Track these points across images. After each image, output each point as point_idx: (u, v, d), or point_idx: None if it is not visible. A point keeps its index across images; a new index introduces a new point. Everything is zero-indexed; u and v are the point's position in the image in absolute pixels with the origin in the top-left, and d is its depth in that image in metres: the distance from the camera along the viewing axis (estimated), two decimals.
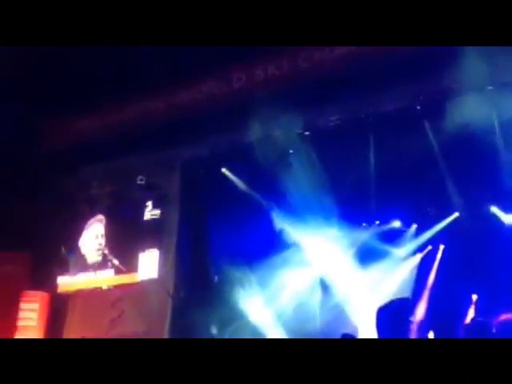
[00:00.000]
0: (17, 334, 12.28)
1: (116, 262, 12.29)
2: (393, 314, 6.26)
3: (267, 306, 11.44)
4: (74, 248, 12.86)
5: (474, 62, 7.24)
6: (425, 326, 10.85)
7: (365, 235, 11.94)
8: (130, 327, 11.38)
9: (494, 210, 11.16)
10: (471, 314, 10.53)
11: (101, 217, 12.78)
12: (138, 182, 11.38)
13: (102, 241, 12.62)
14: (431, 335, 9.85)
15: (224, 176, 11.38)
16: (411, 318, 6.14)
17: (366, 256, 11.92)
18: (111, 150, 10.78)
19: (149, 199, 11.97)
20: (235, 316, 11.16)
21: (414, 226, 12.17)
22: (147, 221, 11.97)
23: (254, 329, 11.24)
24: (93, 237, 12.82)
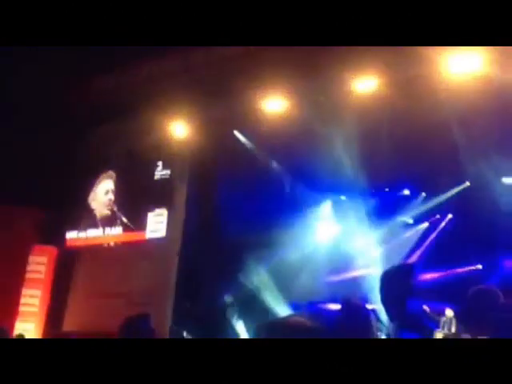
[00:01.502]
0: (24, 286, 12.51)
1: (125, 219, 12.35)
2: (396, 278, 6.33)
3: (277, 267, 11.53)
4: (83, 203, 12.93)
5: None
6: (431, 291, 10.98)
7: (374, 202, 11.96)
8: (137, 285, 11.51)
9: (507, 180, 11.12)
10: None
11: (111, 173, 12.79)
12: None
13: (112, 197, 12.67)
14: (449, 312, 9.91)
15: (236, 138, 11.32)
16: (412, 282, 6.20)
17: (375, 222, 11.98)
18: (124, 109, 10.68)
19: (159, 159, 11.96)
20: (244, 279, 11.28)
21: (423, 195, 12.18)
22: (157, 180, 11.99)
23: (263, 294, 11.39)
24: (102, 192, 12.86)
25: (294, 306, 11.33)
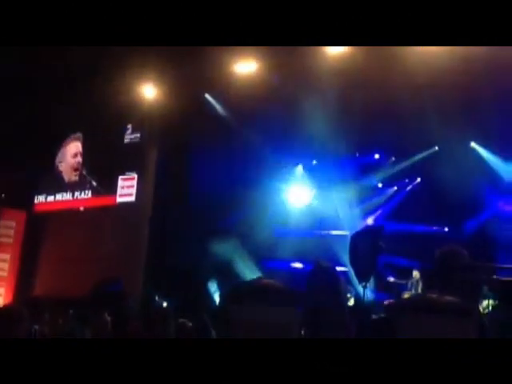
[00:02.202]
0: None
1: (94, 183, 12.24)
2: (366, 240, 6.46)
3: (248, 228, 11.62)
4: (52, 166, 12.75)
5: None
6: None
7: (344, 166, 12.06)
8: (107, 249, 11.47)
9: (474, 145, 11.30)
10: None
11: (79, 135, 12.60)
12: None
13: (80, 159, 12.51)
14: (416, 273, 10.14)
15: (206, 101, 11.21)
16: (383, 244, 6.34)
17: (345, 186, 12.12)
18: (92, 70, 10.44)
19: (129, 122, 11.80)
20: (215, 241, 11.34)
21: (393, 159, 12.32)
22: (127, 144, 11.86)
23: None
24: (70, 155, 12.68)
25: (264, 264, 11.50)
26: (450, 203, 11.15)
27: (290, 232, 12.23)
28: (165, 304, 10.44)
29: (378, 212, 12.49)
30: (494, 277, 5.59)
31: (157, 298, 10.71)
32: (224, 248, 11.39)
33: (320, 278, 4.83)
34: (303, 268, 11.48)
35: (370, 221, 12.25)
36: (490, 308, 6.00)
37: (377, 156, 12.32)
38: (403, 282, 10.59)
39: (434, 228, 11.63)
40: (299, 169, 12.87)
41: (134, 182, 11.70)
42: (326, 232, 12.17)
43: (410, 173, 12.19)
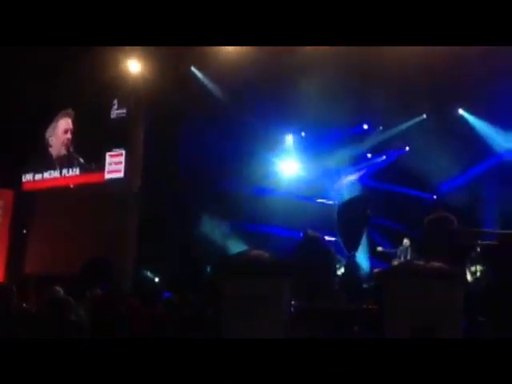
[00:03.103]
0: None
1: (82, 160, 12.14)
2: (353, 208, 6.48)
3: (238, 199, 11.65)
4: (39, 144, 12.63)
5: None
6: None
7: (333, 137, 12.05)
8: (97, 226, 11.44)
9: (462, 112, 11.30)
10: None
11: (70, 111, 12.46)
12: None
13: (70, 136, 12.39)
14: (406, 241, 10.21)
15: (193, 74, 11.09)
16: (369, 213, 6.36)
17: (335, 156, 12.13)
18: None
19: (115, 97, 11.66)
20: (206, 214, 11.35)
21: (381, 128, 12.30)
22: (113, 119, 11.73)
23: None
24: (62, 130, 12.56)
25: (252, 228, 11.58)
26: (437, 170, 11.22)
27: (278, 193, 12.28)
28: (156, 279, 10.49)
29: (367, 182, 12.50)
30: (481, 242, 5.64)
31: (148, 273, 10.75)
32: (214, 222, 11.42)
33: (309, 248, 4.87)
34: (290, 234, 11.57)
35: (351, 177, 12.32)
36: (478, 273, 6.06)
37: (365, 126, 12.29)
38: (392, 250, 10.68)
39: (423, 195, 11.70)
40: (288, 140, 12.84)
41: (122, 158, 11.61)
42: (315, 200, 12.23)
43: (399, 142, 12.18)
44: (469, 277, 5.55)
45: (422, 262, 3.23)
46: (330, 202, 11.67)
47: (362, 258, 10.85)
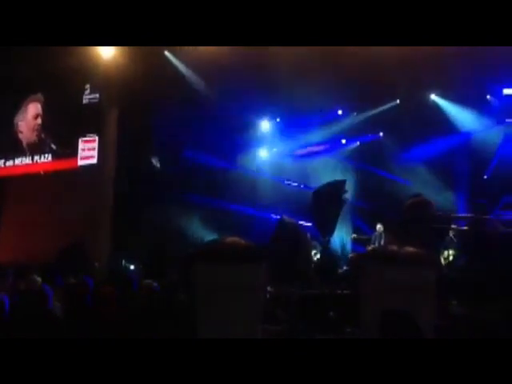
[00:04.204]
0: None
1: (54, 146, 11.96)
2: (327, 194, 6.49)
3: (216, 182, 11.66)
4: (9, 129, 12.39)
5: None
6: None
7: (308, 122, 12.09)
8: (71, 213, 11.30)
9: (435, 97, 11.41)
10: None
11: (40, 96, 12.22)
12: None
13: (40, 121, 12.17)
14: (379, 227, 10.32)
15: (166, 59, 10.96)
16: (345, 197, 6.39)
17: (309, 141, 12.20)
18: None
19: (87, 82, 11.48)
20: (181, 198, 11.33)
21: (355, 114, 12.36)
22: (86, 105, 11.56)
23: None
24: (31, 116, 12.32)
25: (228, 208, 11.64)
26: (411, 155, 11.35)
27: (253, 175, 12.34)
28: (132, 267, 10.43)
29: (342, 167, 12.55)
30: (455, 226, 5.72)
31: (124, 261, 10.68)
32: (189, 206, 11.40)
33: (284, 234, 4.87)
34: (264, 215, 11.65)
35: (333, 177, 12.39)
36: (451, 258, 6.16)
37: (340, 112, 12.35)
38: (365, 237, 10.79)
39: (398, 179, 11.82)
40: (263, 126, 12.85)
41: (95, 144, 11.47)
42: (289, 183, 12.30)
43: (373, 127, 12.28)
44: (442, 261, 5.63)
45: (396, 247, 3.25)
46: (303, 186, 11.76)
47: (338, 243, 10.96)
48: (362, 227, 11.63)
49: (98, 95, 11.47)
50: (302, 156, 12.49)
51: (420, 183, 10.76)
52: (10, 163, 12.48)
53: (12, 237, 12.25)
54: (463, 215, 8.24)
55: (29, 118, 12.34)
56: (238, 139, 12.11)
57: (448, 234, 6.04)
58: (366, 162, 12.28)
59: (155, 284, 4.75)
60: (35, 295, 4.05)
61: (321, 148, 12.53)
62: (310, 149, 12.49)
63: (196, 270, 3.33)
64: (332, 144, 12.64)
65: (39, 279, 5.06)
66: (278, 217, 10.92)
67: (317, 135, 12.27)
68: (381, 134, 12.43)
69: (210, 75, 10.72)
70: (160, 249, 10.72)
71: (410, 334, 2.42)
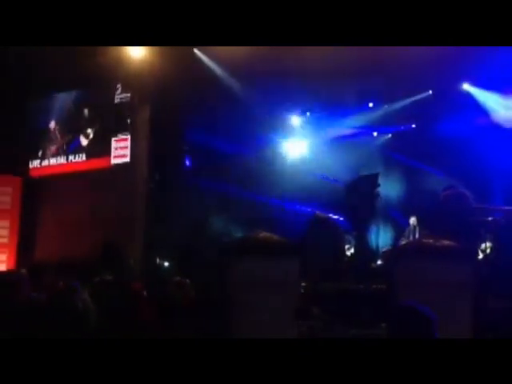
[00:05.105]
0: None
1: (88, 145, 12.14)
2: (360, 188, 6.44)
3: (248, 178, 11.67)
4: (45, 129, 12.64)
5: None
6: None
7: (338, 116, 12.02)
8: (105, 211, 11.46)
9: (467, 87, 11.19)
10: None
11: (73, 96, 12.42)
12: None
13: (75, 122, 12.37)
14: (413, 220, 10.22)
15: (196, 57, 11.00)
16: (378, 191, 6.33)
17: (340, 136, 12.11)
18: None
19: (118, 81, 11.60)
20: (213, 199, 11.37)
21: (386, 107, 12.22)
22: (117, 104, 11.68)
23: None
24: (65, 116, 12.53)
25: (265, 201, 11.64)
26: (446, 147, 11.16)
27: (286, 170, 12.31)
28: (166, 264, 10.52)
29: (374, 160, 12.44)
30: (491, 218, 5.61)
31: (158, 259, 10.78)
32: (222, 203, 11.44)
33: (318, 229, 4.85)
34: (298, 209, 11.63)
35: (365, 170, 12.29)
36: (488, 250, 6.03)
37: (370, 104, 12.23)
38: (399, 230, 10.68)
39: (432, 170, 11.65)
40: (294, 120, 12.80)
41: (128, 143, 11.57)
42: (322, 177, 12.24)
43: (405, 119, 12.12)
44: (479, 254, 5.52)
45: (431, 241, 3.20)
46: (337, 181, 11.68)
47: (371, 237, 10.85)
48: (395, 220, 11.50)
49: (129, 94, 11.58)
50: (334, 149, 12.40)
51: (455, 174, 10.59)
52: (45, 163, 12.71)
53: (49, 236, 12.49)
54: (500, 207, 8.09)
55: (63, 117, 12.56)
56: (269, 133, 12.10)
57: (483, 226, 5.93)
58: (399, 154, 12.15)
59: (187, 281, 4.78)
60: (72, 293, 4.11)
61: (352, 140, 12.43)
62: (341, 141, 12.39)
63: (229, 266, 3.35)
64: (363, 136, 12.53)
65: (74, 277, 5.13)
66: (309, 210, 10.93)
67: (348, 128, 12.19)
68: (413, 125, 12.26)
69: (240, 71, 10.73)
70: (191, 245, 10.82)
71: (420, 329, 2.38)
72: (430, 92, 11.41)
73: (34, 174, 12.85)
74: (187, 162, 12.17)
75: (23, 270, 5.56)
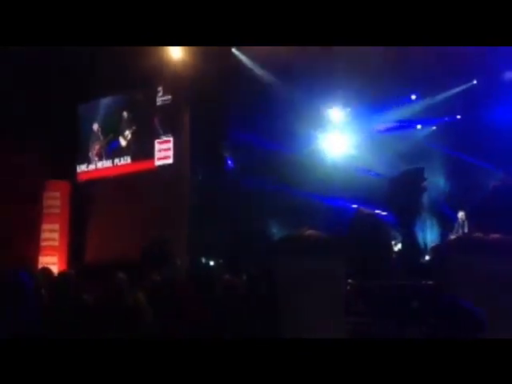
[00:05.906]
0: (43, 222, 12.76)
1: (132, 148, 12.36)
2: (406, 182, 6.33)
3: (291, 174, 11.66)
4: (91, 135, 12.92)
5: None
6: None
7: (381, 110, 11.86)
8: (151, 213, 11.62)
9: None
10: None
11: (118, 99, 12.65)
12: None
13: (120, 125, 12.61)
14: (461, 215, 10.02)
15: (234, 56, 11.05)
16: (424, 185, 6.21)
17: (382, 129, 11.96)
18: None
19: (159, 84, 11.76)
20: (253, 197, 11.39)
21: (429, 98, 11.99)
22: (159, 107, 11.86)
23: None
24: (110, 121, 12.78)
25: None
26: (493, 137, 10.86)
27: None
28: (212, 263, 10.60)
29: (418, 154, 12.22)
30: None
31: (203, 258, 10.87)
32: (265, 201, 11.45)
33: (362, 225, 4.79)
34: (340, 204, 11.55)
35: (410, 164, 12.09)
36: None
37: (413, 97, 12.02)
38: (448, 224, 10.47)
39: (480, 163, 11.35)
40: (335, 114, 12.70)
41: (171, 145, 11.74)
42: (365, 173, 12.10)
43: (449, 110, 11.86)
44: None
45: (481, 236, 3.13)
46: (381, 175, 11.52)
47: (419, 232, 10.67)
48: (443, 215, 11.27)
49: (170, 96, 11.73)
50: (377, 143, 12.25)
51: (503, 166, 10.30)
52: (92, 167, 13.00)
53: (98, 238, 12.76)
54: None
55: (105, 120, 12.82)
56: (311, 130, 12.05)
57: None
58: (444, 146, 11.89)
59: (235, 279, 4.81)
60: (120, 294, 4.20)
61: (395, 134, 12.25)
62: (384, 135, 12.24)
63: (277, 264, 3.34)
64: (407, 129, 12.33)
65: (124, 276, 5.21)
66: (353, 206, 10.81)
67: (391, 121, 12.02)
68: (458, 116, 11.98)
69: (279, 67, 10.72)
70: (237, 244, 10.87)
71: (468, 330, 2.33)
72: (475, 82, 11.13)
73: (81, 177, 13.16)
74: (229, 162, 12.25)
75: (71, 271, 5.68)
